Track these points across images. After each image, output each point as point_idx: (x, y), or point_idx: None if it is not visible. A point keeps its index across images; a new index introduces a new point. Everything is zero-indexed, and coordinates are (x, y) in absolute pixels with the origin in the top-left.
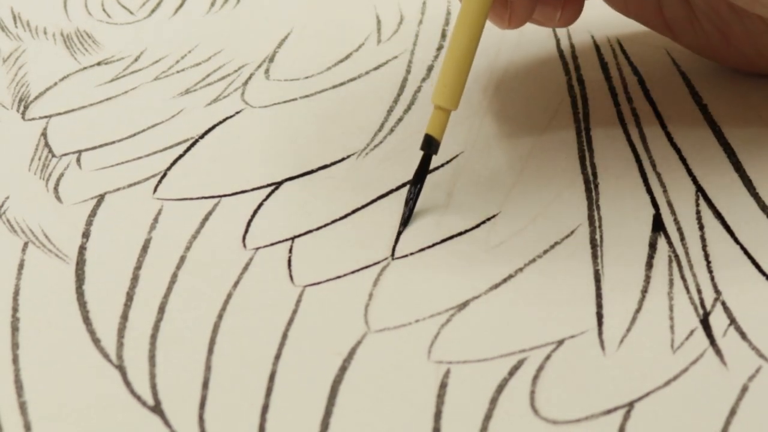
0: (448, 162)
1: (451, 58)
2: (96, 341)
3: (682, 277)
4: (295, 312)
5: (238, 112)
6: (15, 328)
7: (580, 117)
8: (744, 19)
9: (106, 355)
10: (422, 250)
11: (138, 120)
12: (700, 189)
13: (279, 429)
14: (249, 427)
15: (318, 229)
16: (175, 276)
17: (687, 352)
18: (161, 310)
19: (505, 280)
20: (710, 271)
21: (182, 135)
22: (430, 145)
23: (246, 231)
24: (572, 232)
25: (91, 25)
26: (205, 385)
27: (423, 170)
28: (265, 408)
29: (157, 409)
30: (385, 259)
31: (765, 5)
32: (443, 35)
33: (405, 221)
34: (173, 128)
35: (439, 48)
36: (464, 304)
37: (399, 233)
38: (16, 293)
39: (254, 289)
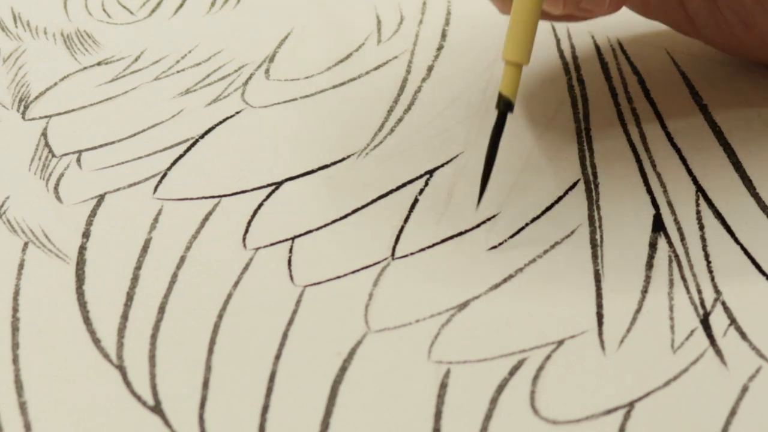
0: (448, 162)
1: (518, 12)
2: (96, 341)
3: (683, 277)
4: (295, 312)
5: (238, 112)
6: (15, 328)
7: (580, 117)
8: (766, 6)
9: (106, 355)
10: (422, 250)
11: (138, 120)
12: (700, 189)
13: (279, 429)
14: (249, 427)
15: (318, 229)
16: (175, 276)
17: (687, 352)
18: (161, 310)
19: (505, 280)
20: (710, 271)
21: (182, 135)
22: (505, 104)
23: (246, 231)
24: (572, 232)
25: (91, 25)
26: (205, 385)
27: (498, 131)
28: (265, 408)
29: (157, 409)
30: (385, 259)
31: None
32: (443, 35)
33: (482, 191)
34: (173, 128)
35: (439, 48)
36: (464, 304)
37: (478, 203)
38: (16, 293)
39: (254, 289)
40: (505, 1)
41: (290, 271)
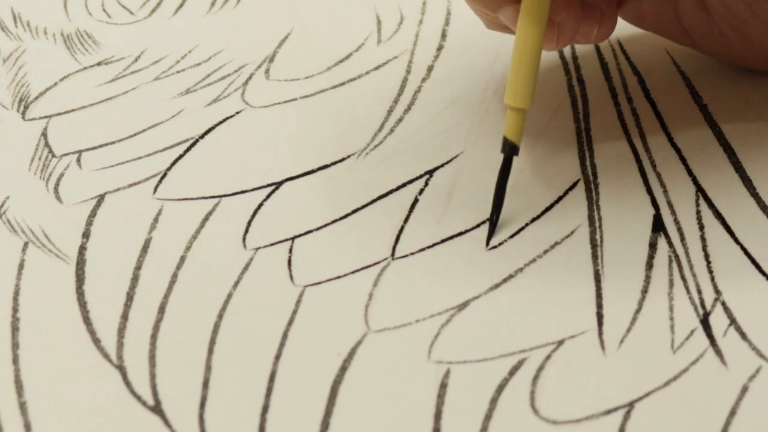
0: (448, 162)
1: (518, 57)
2: (96, 341)
3: (682, 277)
4: (295, 312)
5: (238, 112)
6: (15, 328)
7: (580, 117)
8: (763, 18)
9: (106, 355)
10: (422, 250)
11: (138, 120)
12: (700, 189)
13: (279, 429)
14: (249, 427)
15: (318, 229)
16: (175, 276)
17: (687, 352)
18: (161, 310)
19: (505, 280)
20: (710, 271)
21: (182, 135)
22: (511, 149)
23: (246, 231)
24: (572, 232)
25: (91, 25)
26: (205, 385)
27: (504, 175)
28: (265, 408)
29: (157, 409)
30: (385, 259)
31: None
32: (443, 35)
33: (492, 229)
34: (173, 128)
35: (439, 48)
36: (464, 304)
37: (488, 242)
38: (16, 293)
39: (254, 289)
40: (491, 19)
41: (290, 271)
